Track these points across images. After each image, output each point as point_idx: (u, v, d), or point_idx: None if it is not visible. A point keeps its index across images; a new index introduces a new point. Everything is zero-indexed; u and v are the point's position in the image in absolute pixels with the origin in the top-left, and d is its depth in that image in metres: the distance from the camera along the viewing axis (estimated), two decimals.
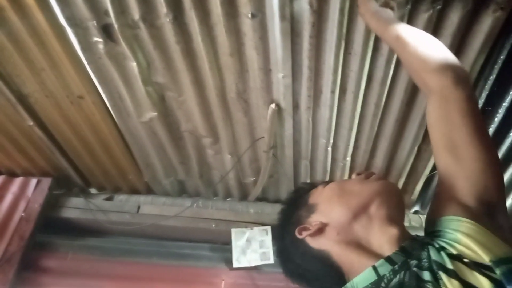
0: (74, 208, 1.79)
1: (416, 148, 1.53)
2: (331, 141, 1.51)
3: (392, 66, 1.20)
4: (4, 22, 1.16)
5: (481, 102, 1.29)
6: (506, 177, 1.58)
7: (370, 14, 0.92)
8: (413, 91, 1.30)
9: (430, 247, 0.63)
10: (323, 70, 1.24)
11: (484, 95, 1.28)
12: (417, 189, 1.75)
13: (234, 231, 1.74)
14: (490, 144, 0.69)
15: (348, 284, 0.65)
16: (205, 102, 1.40)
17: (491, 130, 1.38)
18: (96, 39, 1.18)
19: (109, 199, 1.87)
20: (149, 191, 1.95)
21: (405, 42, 0.79)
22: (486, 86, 1.25)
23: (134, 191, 1.94)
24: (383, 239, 0.66)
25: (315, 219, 0.73)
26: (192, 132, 1.55)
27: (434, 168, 1.62)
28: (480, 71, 1.22)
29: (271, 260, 1.69)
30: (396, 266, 0.61)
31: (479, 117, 0.70)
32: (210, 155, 1.67)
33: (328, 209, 0.73)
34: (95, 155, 1.71)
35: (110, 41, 1.20)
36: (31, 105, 1.47)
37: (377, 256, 0.64)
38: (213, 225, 1.77)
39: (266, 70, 1.25)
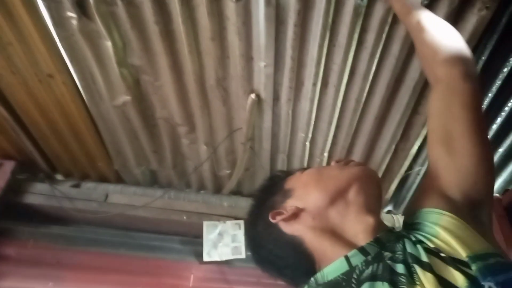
0: (38, 194, 1.70)
1: (393, 147, 1.52)
2: (310, 135, 1.49)
3: (376, 60, 1.18)
4: None
5: None
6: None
7: None
8: (394, 88, 1.29)
9: (406, 240, 0.61)
10: (306, 61, 1.21)
11: None
12: (392, 189, 1.75)
13: (206, 224, 1.70)
14: (486, 141, 0.68)
15: (318, 274, 0.63)
16: (182, 88, 1.35)
17: None
18: (69, 14, 1.12)
19: (76, 186, 1.78)
20: (119, 180, 1.87)
21: (424, 29, 0.78)
22: None
23: (103, 179, 1.86)
24: (359, 228, 0.64)
25: (290, 204, 0.70)
26: (167, 119, 1.50)
27: (409, 167, 1.63)
28: None
29: (242, 255, 1.66)
30: (369, 257, 0.59)
31: (480, 113, 0.69)
32: (185, 144, 1.62)
33: (305, 194, 0.71)
34: (63, 139, 1.62)
35: (85, 17, 1.14)
36: None
37: (350, 245, 0.62)
38: (185, 217, 1.72)
39: (248, 58, 1.21)
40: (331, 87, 1.28)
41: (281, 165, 1.68)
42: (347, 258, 0.60)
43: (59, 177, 1.86)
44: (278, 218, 0.69)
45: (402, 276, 0.55)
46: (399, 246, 0.61)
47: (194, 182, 1.87)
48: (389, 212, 1.95)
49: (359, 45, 1.16)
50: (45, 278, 1.53)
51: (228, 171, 1.76)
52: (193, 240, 1.74)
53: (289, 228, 0.68)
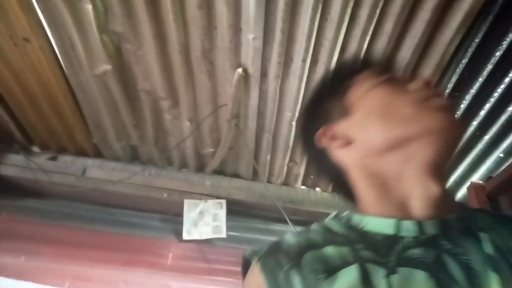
0: (13, 166, 1.64)
1: None
2: (297, 115, 1.45)
3: (368, 37, 1.15)
4: None
5: (450, 86, 1.28)
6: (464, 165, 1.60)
7: None
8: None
9: (483, 236, 0.50)
10: (297, 36, 1.17)
11: (454, 79, 1.26)
12: None
13: (186, 202, 1.66)
14: None
15: (356, 216, 0.54)
16: (166, 59, 1.29)
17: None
18: None
19: (53, 159, 1.72)
20: (97, 154, 1.81)
21: None
22: (457, 70, 1.23)
23: (81, 153, 1.79)
24: (418, 192, 0.52)
25: (343, 127, 0.59)
26: (150, 92, 1.44)
27: None
28: (454, 53, 1.19)
29: (223, 234, 1.63)
30: (422, 237, 0.49)
31: None
32: (168, 119, 1.57)
33: (363, 124, 0.57)
34: (40, 109, 1.55)
35: None
36: None
37: (400, 206, 0.52)
38: (165, 195, 1.68)
39: (236, 29, 1.16)
40: (320, 64, 1.25)
41: (266, 145, 1.64)
42: (399, 223, 0.50)
43: (35, 149, 1.79)
44: (324, 142, 0.61)
45: (455, 279, 0.45)
46: (467, 242, 0.49)
47: (176, 160, 1.82)
48: None
49: (352, 21, 1.12)
50: (18, 252, 1.49)
51: (211, 150, 1.71)
52: (173, 218, 1.70)
53: (335, 154, 0.60)
